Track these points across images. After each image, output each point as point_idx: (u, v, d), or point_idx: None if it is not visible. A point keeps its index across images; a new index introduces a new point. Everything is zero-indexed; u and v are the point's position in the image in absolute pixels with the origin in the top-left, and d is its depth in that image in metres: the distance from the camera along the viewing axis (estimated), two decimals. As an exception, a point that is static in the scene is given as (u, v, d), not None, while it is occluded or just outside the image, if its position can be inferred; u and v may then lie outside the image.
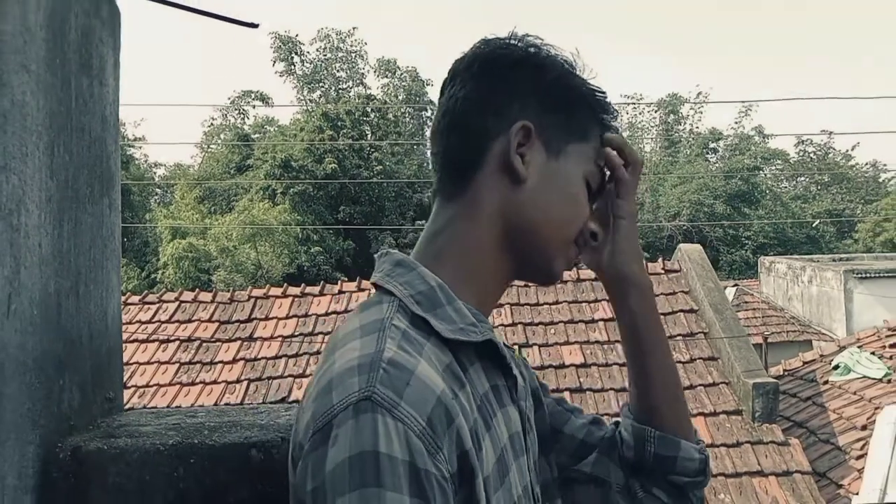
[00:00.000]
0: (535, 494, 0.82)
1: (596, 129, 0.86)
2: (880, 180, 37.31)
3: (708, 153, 33.44)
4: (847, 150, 36.41)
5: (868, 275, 14.86)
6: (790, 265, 16.42)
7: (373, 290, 0.80)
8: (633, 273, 0.89)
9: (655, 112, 35.14)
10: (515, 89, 0.80)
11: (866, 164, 38.50)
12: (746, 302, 14.31)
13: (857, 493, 4.71)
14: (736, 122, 33.08)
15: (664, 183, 30.65)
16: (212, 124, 34.10)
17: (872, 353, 6.04)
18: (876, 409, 5.28)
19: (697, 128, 34.19)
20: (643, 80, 58.43)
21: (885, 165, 37.74)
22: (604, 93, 0.87)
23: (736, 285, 15.36)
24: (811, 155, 36.20)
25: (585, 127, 0.84)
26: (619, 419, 0.97)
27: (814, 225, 29.92)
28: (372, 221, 26.30)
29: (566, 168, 0.82)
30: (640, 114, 35.38)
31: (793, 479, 4.56)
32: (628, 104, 34.13)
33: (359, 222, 26.15)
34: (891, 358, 5.94)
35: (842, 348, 6.56)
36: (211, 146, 32.49)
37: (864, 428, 5.24)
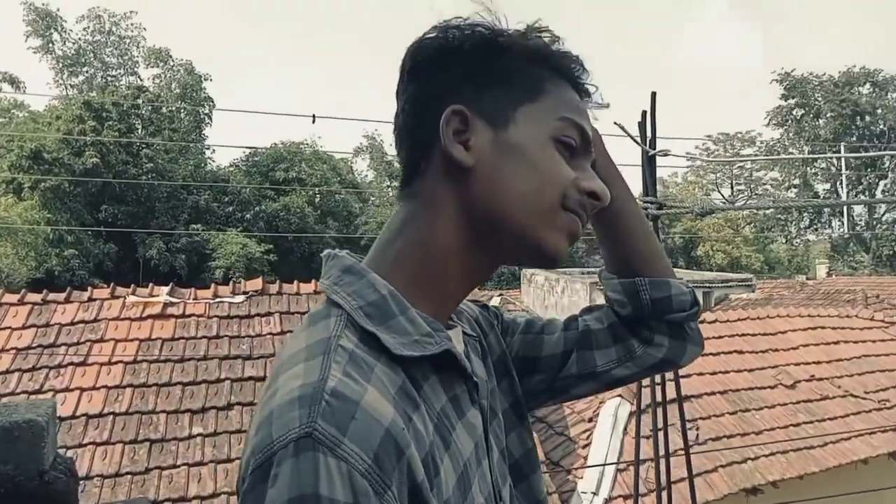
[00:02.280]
0: (498, 495, 0.78)
1: (550, 81, 0.77)
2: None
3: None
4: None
5: (609, 287, 16.96)
6: (547, 277, 18.23)
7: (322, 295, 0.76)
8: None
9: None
10: (442, 80, 0.75)
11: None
12: (509, 310, 15.53)
13: (581, 478, 5.40)
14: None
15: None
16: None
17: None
18: (600, 402, 6.08)
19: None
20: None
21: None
22: (545, 41, 0.77)
23: (501, 295, 16.66)
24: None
25: (531, 85, 0.76)
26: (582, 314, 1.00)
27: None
28: (139, 223, 24.31)
29: (520, 136, 0.74)
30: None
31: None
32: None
33: (124, 224, 24.03)
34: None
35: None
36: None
37: (590, 420, 6.02)
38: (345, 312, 0.70)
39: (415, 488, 0.60)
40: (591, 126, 0.80)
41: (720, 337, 7.11)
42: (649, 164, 2.20)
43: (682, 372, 6.85)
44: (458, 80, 0.75)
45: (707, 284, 19.40)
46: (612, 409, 5.94)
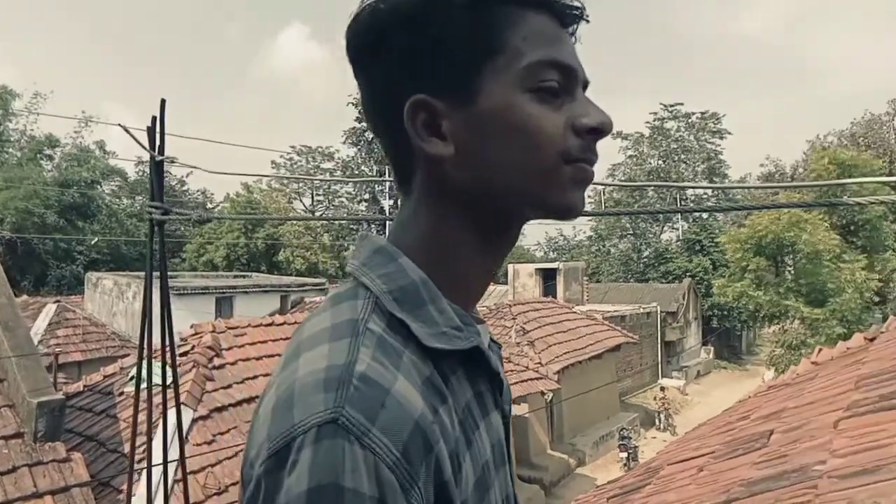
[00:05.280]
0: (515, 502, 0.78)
1: (505, 20, 0.65)
2: (208, 207, 41.66)
3: (43, 159, 30.93)
4: (182, 177, 39.41)
5: (185, 291, 16.32)
6: (116, 281, 16.63)
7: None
8: None
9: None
10: (388, 69, 0.67)
11: (196, 191, 42.47)
12: (68, 319, 13.74)
13: (135, 495, 5.04)
14: (76, 133, 31.68)
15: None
16: None
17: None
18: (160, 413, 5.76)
19: (33, 130, 31.25)
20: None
21: (212, 194, 42.40)
22: None
23: (58, 301, 14.57)
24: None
25: (484, 37, 0.65)
26: None
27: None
28: None
29: (491, 103, 0.65)
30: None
31: (70, 495, 4.55)
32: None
33: None
34: (179, 366, 6.65)
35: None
36: None
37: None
38: (373, 295, 0.65)
39: (441, 485, 0.56)
40: (572, 51, 0.68)
41: (287, 338, 7.40)
42: (157, 169, 2.16)
43: (249, 374, 6.95)
44: (404, 63, 0.66)
45: (285, 288, 20.26)
46: (173, 419, 5.70)
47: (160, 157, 2.15)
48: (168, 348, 2.38)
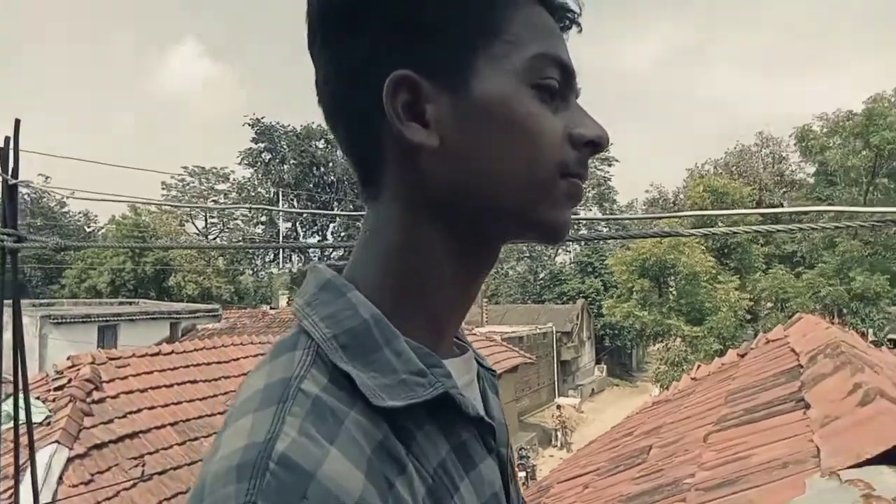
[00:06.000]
0: None
1: (504, 5, 0.57)
2: (89, 229, 39.34)
3: None
4: (62, 198, 37.04)
5: (64, 320, 15.26)
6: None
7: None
8: None
9: None
10: (367, 41, 0.56)
11: (78, 213, 40.02)
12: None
13: (0, 545, 4.62)
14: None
15: None
16: None
17: (37, 398, 6.17)
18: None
19: None
20: None
21: (95, 216, 40.03)
22: None
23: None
24: (24, 197, 35.19)
25: (485, 16, 0.56)
26: None
27: None
28: None
29: (487, 92, 0.55)
30: None
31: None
32: None
33: None
34: (53, 401, 6.22)
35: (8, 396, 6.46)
36: None
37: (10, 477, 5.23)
38: (314, 343, 0.54)
39: None
40: (568, 52, 0.60)
41: (175, 368, 7.12)
42: (10, 193, 2.06)
43: (132, 407, 6.58)
44: (388, 32, 0.56)
45: (175, 315, 19.34)
46: (46, 458, 5.30)
47: (13, 181, 2.04)
48: (21, 383, 2.22)
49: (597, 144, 0.59)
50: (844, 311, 19.61)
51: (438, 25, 0.55)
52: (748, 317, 21.45)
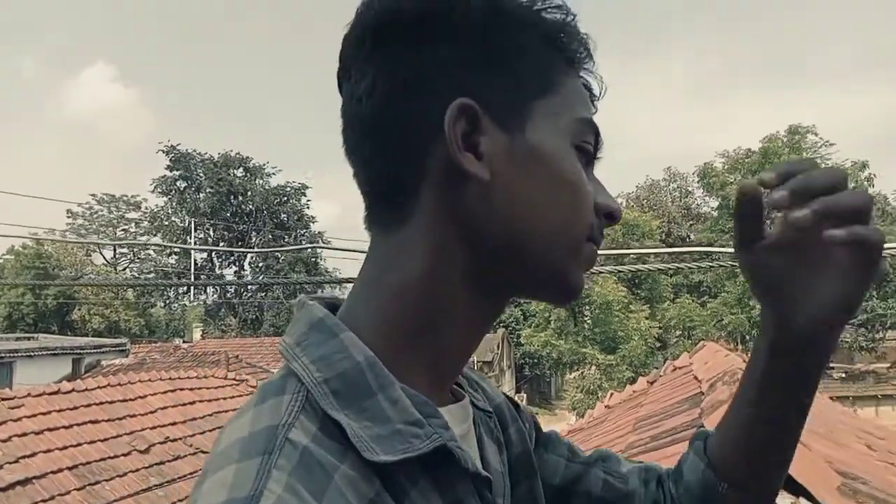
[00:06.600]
0: None
1: (563, 67, 0.59)
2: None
3: None
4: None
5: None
6: None
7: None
8: (839, 333, 0.63)
9: None
10: (432, 58, 0.55)
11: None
12: None
13: None
14: None
15: None
16: None
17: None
18: None
19: None
20: None
21: (-9, 245, 37.53)
22: (556, 7, 0.58)
23: None
24: None
25: (546, 71, 0.57)
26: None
27: None
28: None
29: (540, 140, 0.56)
30: None
31: None
32: None
33: None
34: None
35: None
36: None
37: None
38: (304, 388, 0.52)
39: None
40: None
41: (76, 408, 6.72)
42: None
43: (25, 451, 6.16)
44: (456, 55, 0.55)
45: (78, 350, 18.26)
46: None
47: None
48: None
49: (615, 217, 0.61)
50: (747, 337, 20.68)
51: (510, 65, 0.56)
52: (658, 344, 22.29)
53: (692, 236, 27.69)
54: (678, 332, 22.82)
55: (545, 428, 0.81)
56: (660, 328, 22.13)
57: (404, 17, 0.55)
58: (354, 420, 0.50)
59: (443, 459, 0.53)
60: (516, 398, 0.87)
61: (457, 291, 0.57)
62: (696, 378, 4.77)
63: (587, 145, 0.59)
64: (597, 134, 0.61)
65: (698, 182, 27.51)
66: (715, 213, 28.32)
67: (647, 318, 21.58)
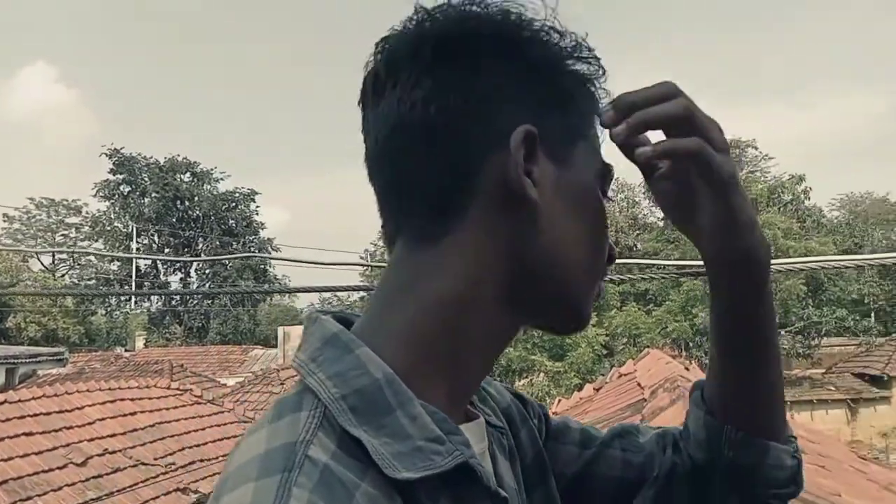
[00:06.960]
0: None
1: (590, 119, 0.63)
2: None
3: None
4: None
5: None
6: None
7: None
8: (755, 247, 0.63)
9: None
10: (500, 81, 0.57)
11: None
12: None
13: None
14: None
15: None
16: None
17: None
18: None
19: None
20: None
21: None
22: (595, 58, 0.62)
23: None
24: None
25: (588, 115, 0.62)
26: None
27: None
28: None
29: (580, 177, 0.61)
30: None
31: None
32: None
33: None
34: None
35: None
36: None
37: None
38: (321, 404, 0.51)
39: None
40: None
41: (8, 420, 6.46)
42: None
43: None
44: (518, 85, 0.57)
45: (12, 359, 17.49)
46: None
47: None
48: None
49: (613, 259, 0.66)
50: (690, 344, 21.24)
51: (567, 104, 0.59)
52: (605, 351, 22.67)
53: (639, 245, 28.32)
54: (624, 340, 23.22)
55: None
56: (607, 335, 22.51)
57: (475, 34, 0.57)
58: (374, 437, 0.50)
59: (464, 477, 0.52)
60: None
61: (488, 308, 0.57)
62: (639, 385, 4.89)
63: (607, 188, 0.64)
64: (611, 181, 0.65)
65: (644, 193, 28.18)
66: (661, 224, 29.10)
67: (593, 326, 21.92)
